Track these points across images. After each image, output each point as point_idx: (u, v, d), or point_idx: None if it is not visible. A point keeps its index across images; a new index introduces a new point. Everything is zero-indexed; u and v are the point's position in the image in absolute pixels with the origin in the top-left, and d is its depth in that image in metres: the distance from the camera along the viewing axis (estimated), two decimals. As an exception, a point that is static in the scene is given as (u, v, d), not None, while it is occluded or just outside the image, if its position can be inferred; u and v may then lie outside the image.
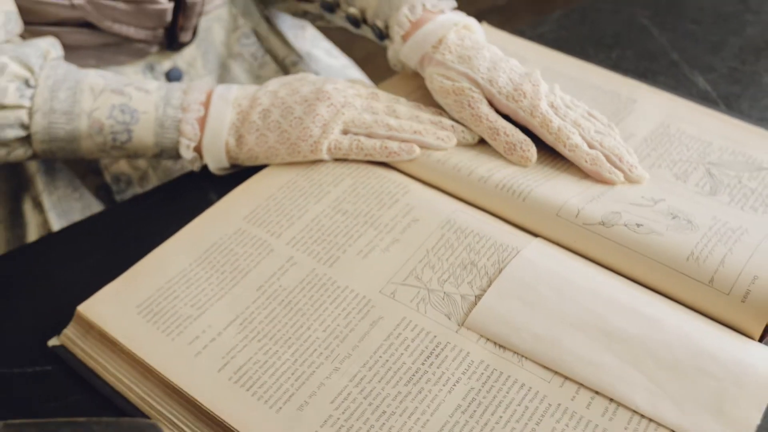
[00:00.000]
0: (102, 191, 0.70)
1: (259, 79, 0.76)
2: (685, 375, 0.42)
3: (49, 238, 0.56)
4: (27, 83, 0.57)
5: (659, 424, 0.41)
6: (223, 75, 0.75)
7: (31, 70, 0.57)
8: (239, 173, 0.58)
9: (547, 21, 0.76)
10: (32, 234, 0.68)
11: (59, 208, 0.67)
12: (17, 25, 0.61)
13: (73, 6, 0.64)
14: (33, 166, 0.68)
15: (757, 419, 0.41)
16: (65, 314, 0.49)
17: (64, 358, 0.47)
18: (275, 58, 0.78)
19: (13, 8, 0.61)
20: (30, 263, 0.54)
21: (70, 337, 0.47)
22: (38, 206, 0.68)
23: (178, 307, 0.47)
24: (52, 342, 0.48)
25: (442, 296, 0.47)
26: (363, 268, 0.49)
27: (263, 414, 0.42)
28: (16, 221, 0.69)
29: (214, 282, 0.49)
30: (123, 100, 0.57)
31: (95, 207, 0.69)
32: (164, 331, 0.46)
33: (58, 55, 0.61)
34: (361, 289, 0.48)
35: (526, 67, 0.62)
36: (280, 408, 0.42)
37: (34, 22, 0.65)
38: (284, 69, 0.78)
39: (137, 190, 0.70)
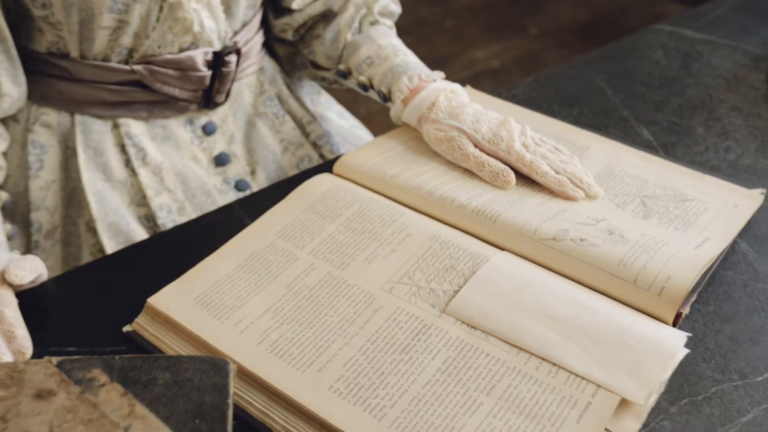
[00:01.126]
0: (145, 219, 0.85)
1: (279, 133, 0.92)
2: (610, 347, 0.57)
3: (126, 250, 0.71)
4: None
5: (589, 381, 0.55)
6: (249, 130, 0.90)
7: None
8: (265, 205, 0.73)
9: (520, 85, 0.93)
10: (86, 252, 0.83)
11: (109, 232, 0.82)
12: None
13: (132, 71, 0.80)
14: (86, 197, 0.82)
15: (662, 378, 0.55)
16: (135, 308, 0.63)
17: (135, 341, 0.62)
18: (293, 117, 0.93)
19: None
20: (106, 272, 0.69)
21: (140, 324, 0.62)
22: (91, 230, 0.83)
23: (225, 299, 0.62)
24: (126, 328, 0.62)
25: (428, 291, 0.62)
26: (368, 271, 0.64)
27: (292, 374, 0.56)
28: (72, 241, 0.84)
29: (252, 282, 0.63)
30: None
31: (139, 231, 0.83)
32: (215, 316, 0.61)
33: None
34: (366, 286, 0.62)
35: (500, 117, 0.78)
36: (305, 370, 0.56)
37: (97, 81, 0.81)
38: (301, 127, 0.93)
39: (176, 217, 0.84)
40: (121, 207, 0.82)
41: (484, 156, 0.74)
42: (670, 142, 0.84)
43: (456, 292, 0.61)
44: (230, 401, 0.44)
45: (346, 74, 0.88)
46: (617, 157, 0.78)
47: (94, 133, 0.82)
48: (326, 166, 0.79)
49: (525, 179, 0.74)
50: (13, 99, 0.76)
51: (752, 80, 0.94)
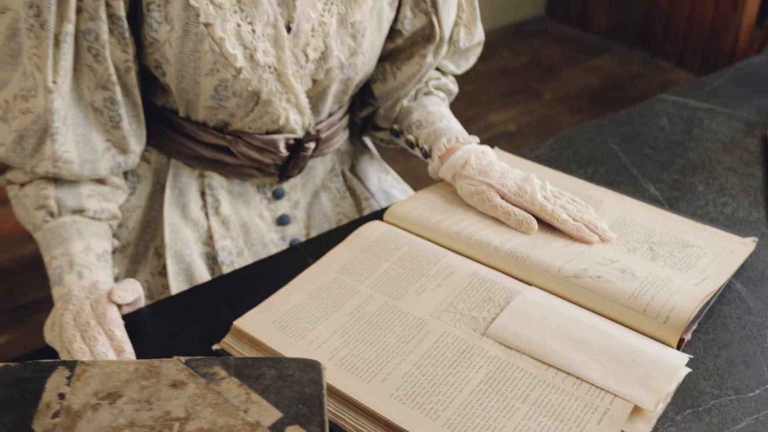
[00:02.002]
0: (206, 256, 0.98)
1: (338, 206, 1.04)
2: (624, 364, 0.69)
3: (213, 282, 0.84)
4: (49, 213, 0.85)
5: (607, 392, 0.67)
6: (313, 199, 1.03)
7: (58, 212, 0.84)
8: (325, 247, 0.86)
9: (541, 146, 1.07)
10: (146, 271, 0.95)
11: (174, 258, 0.94)
12: (98, 168, 0.87)
13: (224, 138, 0.94)
14: (163, 226, 0.95)
15: (668, 390, 0.67)
16: (221, 330, 0.76)
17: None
18: (353, 194, 1.06)
19: (103, 145, 0.86)
20: (194, 300, 0.82)
21: (227, 343, 0.74)
22: (157, 254, 0.96)
23: (299, 323, 0.74)
24: (215, 346, 0.75)
25: (470, 318, 0.74)
26: (418, 301, 0.76)
27: (359, 384, 0.68)
28: (138, 260, 0.97)
29: (321, 309, 0.76)
30: None
31: (199, 263, 0.95)
32: (292, 337, 0.73)
33: (92, 214, 0.87)
34: (418, 314, 0.75)
35: (522, 174, 0.92)
36: (370, 381, 0.68)
37: (195, 138, 0.94)
38: (357, 203, 1.06)
39: (235, 259, 0.97)
40: (190, 241, 0.95)
41: (510, 206, 0.87)
42: (675, 197, 0.96)
43: (493, 319, 0.74)
44: (324, 392, 0.56)
45: (398, 133, 1.02)
46: (628, 209, 0.91)
47: (182, 177, 0.96)
48: (377, 214, 0.92)
49: (547, 226, 0.87)
50: (136, 155, 0.89)
51: (747, 144, 1.08)
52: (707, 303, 0.77)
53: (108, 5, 0.79)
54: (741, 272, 0.83)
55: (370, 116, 1.08)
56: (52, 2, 0.76)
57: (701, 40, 3.21)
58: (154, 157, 0.97)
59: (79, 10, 0.78)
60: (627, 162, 1.03)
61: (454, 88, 1.08)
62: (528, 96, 3.09)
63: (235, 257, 0.97)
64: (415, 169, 2.15)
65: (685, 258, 0.83)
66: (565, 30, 3.67)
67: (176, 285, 0.92)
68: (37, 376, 0.56)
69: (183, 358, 0.58)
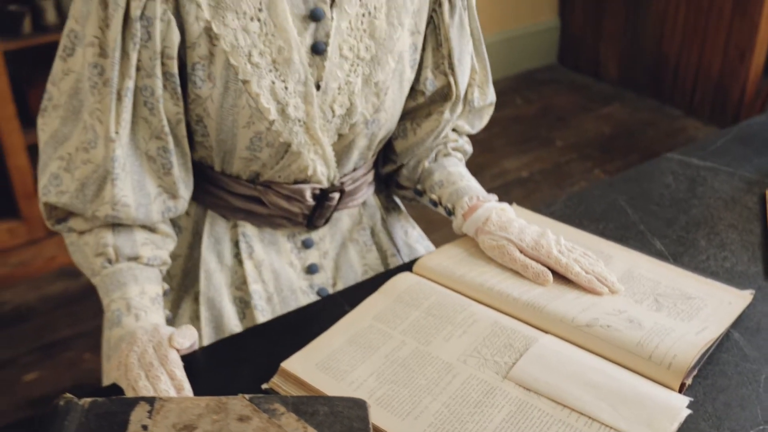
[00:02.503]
0: (239, 300, 1.07)
1: (364, 259, 1.13)
2: (631, 405, 0.78)
3: (260, 327, 0.94)
4: (108, 260, 0.95)
5: (617, 430, 0.76)
6: (341, 250, 1.12)
7: (115, 259, 0.95)
8: (360, 296, 0.96)
9: (556, 202, 1.17)
10: (185, 315, 1.05)
11: (207, 304, 1.04)
12: (151, 212, 0.97)
13: (255, 189, 1.05)
14: (199, 273, 1.05)
15: (671, 429, 0.76)
16: (269, 371, 0.85)
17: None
18: (379, 248, 1.15)
19: (155, 190, 0.97)
20: (242, 343, 0.91)
21: (275, 383, 0.84)
22: (196, 300, 1.06)
23: (340, 365, 0.84)
24: (264, 386, 0.84)
25: (493, 362, 0.83)
26: (446, 346, 0.86)
27: (395, 421, 0.77)
28: (179, 304, 1.07)
29: (359, 353, 0.85)
30: None
31: (229, 308, 1.04)
32: (334, 378, 0.82)
33: (146, 261, 0.97)
34: (446, 358, 0.84)
35: (539, 229, 1.01)
36: (404, 418, 0.77)
37: (229, 190, 1.04)
38: (383, 258, 1.15)
39: (264, 304, 1.06)
40: (223, 287, 1.05)
41: (528, 260, 0.97)
42: (679, 252, 1.06)
43: (514, 363, 0.83)
44: (370, 427, 0.65)
45: (421, 193, 1.13)
46: (636, 263, 1.00)
47: (218, 227, 1.06)
48: (407, 266, 1.02)
49: (562, 278, 0.96)
50: (184, 200, 1.00)
51: (746, 201, 1.17)
52: (707, 350, 0.86)
53: (163, 64, 0.90)
54: (738, 322, 0.92)
55: (393, 175, 1.18)
56: (115, 62, 0.87)
57: (710, 89, 3.32)
58: (192, 209, 1.07)
59: (138, 68, 0.89)
60: (635, 218, 1.13)
61: (470, 148, 1.19)
62: (540, 143, 3.20)
63: (264, 302, 1.06)
64: (430, 216, 2.25)
65: (688, 309, 0.92)
66: (577, 78, 3.80)
67: (207, 330, 1.02)
68: (122, 409, 0.66)
69: (247, 396, 0.67)
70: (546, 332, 0.88)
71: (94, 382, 2.15)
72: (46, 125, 0.95)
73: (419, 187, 1.14)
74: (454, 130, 1.17)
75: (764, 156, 1.30)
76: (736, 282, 1.00)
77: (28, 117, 2.46)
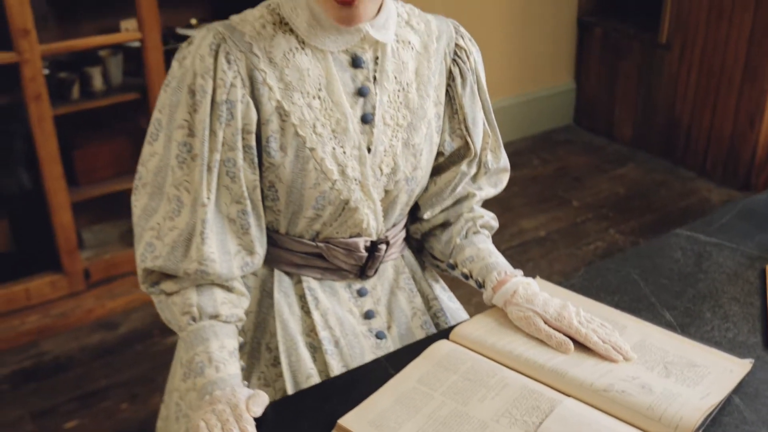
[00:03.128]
0: (309, 345, 1.20)
1: (411, 303, 1.28)
2: (643, 462, 0.91)
3: (317, 387, 1.08)
4: (192, 318, 1.11)
5: (630, 483, 0.89)
6: (391, 297, 1.28)
7: (199, 317, 1.10)
8: (403, 360, 1.10)
9: (575, 276, 1.31)
10: (262, 364, 1.20)
11: (286, 352, 1.18)
12: (232, 267, 1.13)
13: (317, 246, 1.20)
14: (275, 324, 1.19)
15: (678, 483, 0.89)
16: (326, 427, 0.99)
17: (328, 449, 0.97)
18: (422, 294, 1.31)
19: (235, 248, 1.13)
20: (305, 401, 1.05)
21: (332, 437, 0.98)
22: (268, 349, 1.21)
23: (389, 423, 0.97)
24: (323, 439, 0.98)
25: (522, 422, 0.97)
26: (481, 407, 0.99)
27: (438, 472, 0.90)
28: (254, 355, 1.22)
29: (405, 412, 0.99)
30: None
31: (304, 352, 1.17)
32: (384, 433, 0.96)
33: (225, 318, 1.12)
34: (481, 417, 0.98)
35: (561, 302, 1.16)
36: (447, 470, 0.91)
37: (292, 250, 1.20)
38: (426, 302, 1.30)
39: (333, 348, 1.19)
40: (297, 334, 1.20)
41: (552, 330, 1.11)
42: (686, 323, 1.20)
43: (541, 423, 0.97)
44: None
45: (454, 267, 1.28)
46: (647, 333, 1.14)
47: (285, 283, 1.22)
48: (444, 333, 1.16)
49: (582, 346, 1.10)
50: (260, 256, 1.16)
51: (748, 276, 1.31)
52: (710, 414, 0.99)
53: (243, 138, 1.09)
54: (739, 388, 1.05)
55: (428, 249, 1.33)
56: (205, 139, 1.07)
57: (721, 152, 3.47)
58: (259, 270, 1.23)
59: (223, 143, 1.08)
60: (647, 291, 1.27)
61: (495, 224, 1.35)
62: (557, 203, 3.35)
63: (333, 346, 1.21)
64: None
65: (693, 376, 1.05)
66: (592, 139, 3.96)
67: (288, 375, 1.17)
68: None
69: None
70: (568, 395, 1.02)
71: (133, 431, 2.28)
72: (138, 201, 1.14)
73: (452, 261, 1.29)
74: (476, 199, 1.32)
75: (765, 232, 1.44)
76: (738, 351, 1.13)
77: (73, 177, 2.65)
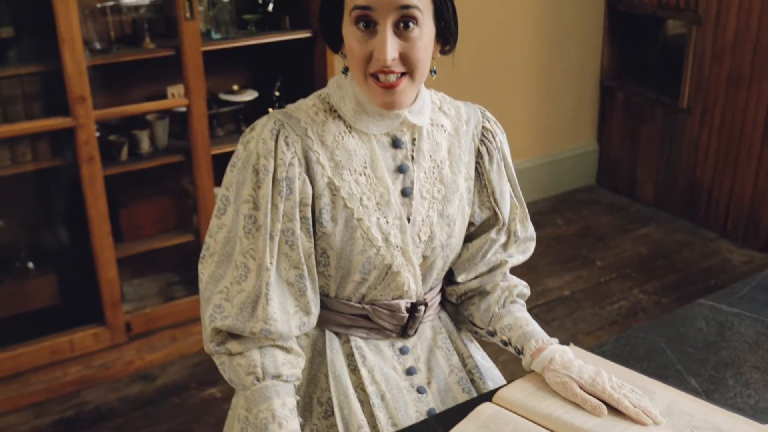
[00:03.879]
0: (359, 401, 1.32)
1: (448, 361, 1.40)
2: None
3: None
4: (256, 378, 1.23)
5: None
6: (430, 355, 1.40)
7: (262, 377, 1.23)
8: (450, 420, 1.21)
9: (606, 344, 1.43)
10: (314, 417, 1.32)
11: (339, 406, 1.29)
12: (291, 327, 1.25)
13: (363, 308, 1.33)
14: (328, 380, 1.31)
15: None
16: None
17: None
18: (458, 352, 1.43)
19: (293, 309, 1.26)
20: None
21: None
22: (320, 403, 1.33)
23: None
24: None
25: (562, 480, 1.08)
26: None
27: None
28: (306, 409, 1.34)
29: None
30: None
31: (356, 405, 1.28)
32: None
33: (285, 378, 1.25)
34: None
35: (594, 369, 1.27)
36: None
37: (341, 311, 1.33)
38: (462, 359, 1.42)
39: (380, 401, 1.30)
40: (348, 389, 1.32)
41: (587, 395, 1.22)
42: (710, 389, 1.31)
43: (579, 481, 1.08)
44: None
45: (493, 334, 1.40)
46: (675, 399, 1.25)
47: (334, 342, 1.35)
48: (488, 396, 1.28)
49: (614, 410, 1.21)
50: (315, 316, 1.29)
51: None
52: (733, 476, 1.10)
53: (300, 210, 1.24)
54: (760, 452, 1.16)
55: (468, 316, 1.46)
56: (267, 212, 1.21)
57: (742, 214, 3.59)
58: (311, 331, 1.36)
59: (283, 215, 1.23)
60: (673, 359, 1.38)
61: (528, 291, 1.48)
62: (581, 263, 3.46)
63: (380, 400, 1.33)
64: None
65: (718, 440, 1.16)
66: (615, 199, 4.09)
67: (342, 426, 1.29)
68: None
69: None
70: (603, 456, 1.13)
71: (172, 481, 2.39)
72: (205, 269, 1.28)
73: (491, 328, 1.41)
74: (508, 266, 1.45)
75: (784, 303, 1.56)
76: (759, 417, 1.24)
77: (118, 233, 2.80)
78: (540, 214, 3.87)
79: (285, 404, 1.21)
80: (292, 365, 1.26)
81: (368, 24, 1.18)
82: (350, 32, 1.21)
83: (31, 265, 2.84)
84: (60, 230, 2.88)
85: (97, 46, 2.62)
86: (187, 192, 2.94)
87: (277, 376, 1.23)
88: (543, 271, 3.38)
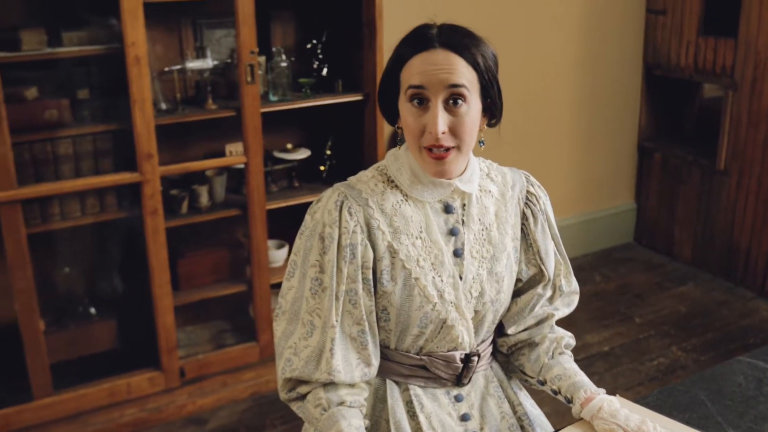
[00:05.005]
0: None
1: (500, 408, 1.50)
2: None
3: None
4: (323, 408, 1.35)
5: None
6: (483, 402, 1.50)
7: (328, 407, 1.34)
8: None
9: (650, 396, 1.53)
10: None
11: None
12: (354, 377, 1.38)
13: (420, 359, 1.45)
14: (389, 425, 1.42)
15: None
16: None
17: None
18: (509, 400, 1.54)
19: (355, 361, 1.39)
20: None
21: None
22: (388, 423, 1.43)
23: None
24: None
25: None
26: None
27: None
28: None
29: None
30: None
31: None
32: None
33: (349, 404, 1.36)
34: None
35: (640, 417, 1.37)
36: None
37: (400, 362, 1.45)
38: (512, 406, 1.53)
39: None
40: (408, 431, 1.43)
41: (637, 441, 1.33)
42: (749, 440, 1.40)
43: None
44: None
45: (543, 383, 1.51)
46: (715, 448, 1.35)
47: (395, 390, 1.47)
48: (540, 441, 1.38)
49: (659, 457, 1.31)
50: (375, 367, 1.41)
51: (804, 401, 1.51)
52: None
53: (363, 272, 1.37)
54: (797, 500, 1.25)
55: (519, 366, 1.57)
56: (333, 275, 1.35)
57: (780, 274, 3.65)
58: (373, 380, 1.48)
59: (346, 277, 1.36)
60: (713, 411, 1.48)
61: (573, 342, 1.59)
62: (619, 319, 3.54)
63: None
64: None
65: (756, 487, 1.26)
66: (652, 257, 4.17)
67: None
68: None
69: None
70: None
71: None
72: (278, 326, 1.42)
73: (541, 378, 1.52)
74: (555, 319, 1.56)
75: (820, 361, 1.64)
76: (795, 467, 1.33)
77: (176, 283, 2.96)
78: (578, 270, 3.95)
79: (351, 425, 1.34)
80: (355, 394, 1.39)
81: (421, 101, 1.33)
82: (406, 108, 1.36)
83: (93, 310, 3.00)
84: (121, 278, 3.05)
85: (163, 106, 2.82)
86: (241, 244, 3.10)
87: (341, 403, 1.36)
88: (582, 326, 3.46)
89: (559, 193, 3.95)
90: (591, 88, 4.00)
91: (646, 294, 3.78)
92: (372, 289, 1.38)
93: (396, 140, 1.46)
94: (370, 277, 1.38)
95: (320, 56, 3.03)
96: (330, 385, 1.38)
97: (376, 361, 1.41)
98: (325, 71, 3.04)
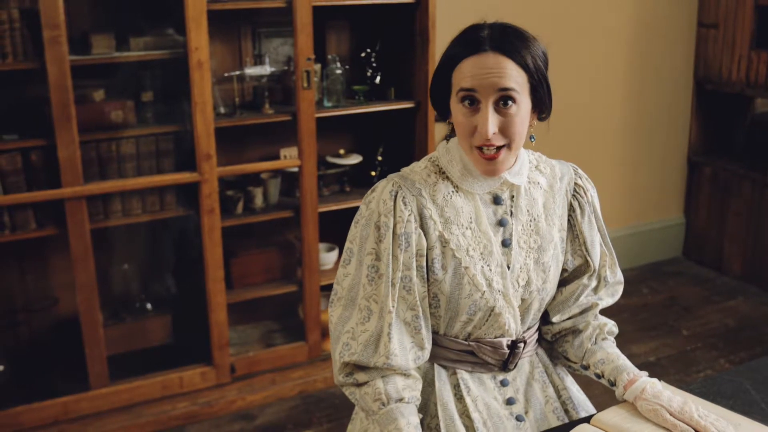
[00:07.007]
0: (464, 425, 1.50)
1: (544, 392, 1.57)
2: None
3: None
4: (382, 403, 1.42)
5: None
6: (528, 387, 1.57)
7: (387, 402, 1.42)
8: (550, 438, 1.38)
9: (693, 384, 1.58)
10: None
11: (447, 429, 1.48)
12: (408, 360, 1.45)
13: (468, 345, 1.52)
14: (436, 407, 1.50)
15: None
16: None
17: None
18: (553, 384, 1.60)
19: (409, 345, 1.46)
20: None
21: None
22: (428, 428, 1.50)
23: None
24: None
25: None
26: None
27: None
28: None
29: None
30: None
31: (461, 429, 1.48)
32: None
33: (407, 400, 1.44)
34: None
35: (682, 399, 1.43)
36: None
37: (449, 347, 1.52)
38: (557, 391, 1.59)
39: (482, 427, 1.48)
40: (454, 414, 1.50)
41: (677, 421, 1.38)
42: (793, 426, 1.44)
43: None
44: None
45: (587, 367, 1.57)
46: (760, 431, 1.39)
47: (443, 375, 1.54)
48: (587, 419, 1.44)
49: (701, 436, 1.36)
50: (428, 351, 1.49)
51: None
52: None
53: (417, 260, 1.45)
54: (839, 481, 1.29)
55: (563, 352, 1.63)
56: (389, 262, 1.43)
57: (832, 290, 3.62)
58: (422, 365, 1.55)
59: (402, 264, 1.43)
60: (758, 398, 1.52)
61: (616, 329, 1.65)
62: (666, 331, 3.55)
63: (482, 426, 1.50)
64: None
65: (798, 467, 1.30)
66: (701, 271, 4.17)
67: None
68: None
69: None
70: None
71: None
72: (334, 312, 1.50)
73: (585, 363, 1.58)
74: (599, 308, 1.62)
75: None
76: (839, 453, 1.37)
77: (230, 280, 3.07)
78: (626, 283, 3.93)
79: (409, 423, 1.40)
80: (412, 388, 1.46)
81: (472, 102, 1.41)
82: (457, 108, 1.44)
83: (149, 306, 3.14)
84: (176, 275, 3.18)
85: (222, 110, 2.95)
86: (293, 246, 3.21)
87: (400, 400, 1.43)
88: (628, 336, 3.48)
89: (608, 205, 3.97)
90: (641, 102, 4.04)
91: (694, 307, 3.79)
92: (425, 276, 1.46)
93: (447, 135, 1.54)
94: (423, 264, 1.45)
95: (374, 64, 3.14)
96: (388, 377, 1.45)
97: (428, 345, 1.49)
98: (378, 79, 3.15)
